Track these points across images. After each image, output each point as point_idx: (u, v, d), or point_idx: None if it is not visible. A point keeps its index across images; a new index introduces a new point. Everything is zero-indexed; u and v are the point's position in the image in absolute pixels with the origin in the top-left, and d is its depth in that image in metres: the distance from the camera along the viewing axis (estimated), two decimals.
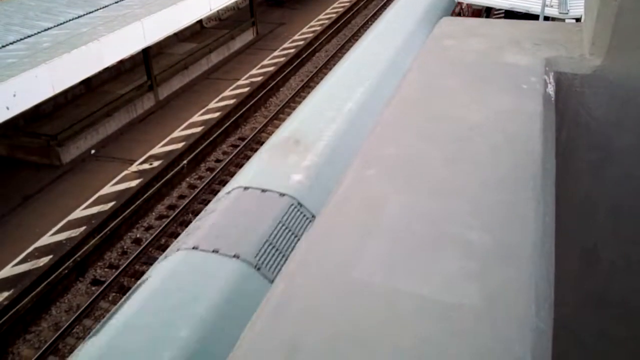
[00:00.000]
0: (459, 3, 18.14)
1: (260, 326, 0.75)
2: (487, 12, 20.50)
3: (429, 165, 1.15)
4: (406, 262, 0.87)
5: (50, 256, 12.75)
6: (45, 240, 13.31)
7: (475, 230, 0.93)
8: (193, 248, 5.33)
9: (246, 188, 6.25)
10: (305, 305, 0.79)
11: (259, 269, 5.16)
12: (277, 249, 5.39)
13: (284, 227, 5.63)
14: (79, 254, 12.99)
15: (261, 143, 17.78)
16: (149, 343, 4.35)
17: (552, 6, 16.15)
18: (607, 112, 1.60)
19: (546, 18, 14.48)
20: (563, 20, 14.86)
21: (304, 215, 5.86)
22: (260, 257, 5.26)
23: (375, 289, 0.82)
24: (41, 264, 12.50)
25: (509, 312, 0.79)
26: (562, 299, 1.03)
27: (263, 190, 6.07)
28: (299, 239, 5.40)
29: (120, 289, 12.60)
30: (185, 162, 16.31)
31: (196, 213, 14.72)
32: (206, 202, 15.08)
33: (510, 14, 17.00)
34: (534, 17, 14.78)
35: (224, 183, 15.84)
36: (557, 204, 1.17)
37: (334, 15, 27.57)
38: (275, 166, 6.75)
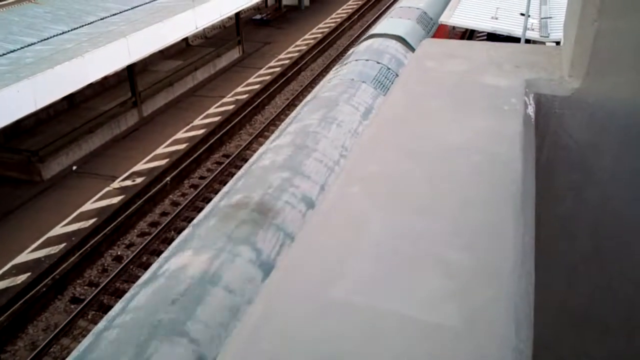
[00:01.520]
0: (442, 26, 18.46)
1: (236, 348, 0.74)
2: (470, 35, 20.88)
3: (411, 184, 1.15)
4: (387, 281, 0.86)
5: (29, 274, 12.50)
6: (24, 257, 13.06)
7: (456, 250, 0.93)
8: None
9: None
10: (284, 326, 0.78)
11: None
12: None
13: None
14: (58, 271, 12.75)
15: (246, 160, 17.78)
16: None
17: (533, 30, 16.51)
18: (586, 134, 1.62)
19: (527, 41, 14.78)
20: (544, 43, 15.18)
21: None
22: None
23: (355, 309, 0.81)
24: (19, 282, 12.24)
25: (489, 332, 0.78)
26: (542, 319, 1.04)
27: None
28: None
29: (100, 307, 12.37)
30: (168, 178, 16.19)
31: (179, 230, 14.60)
32: (189, 220, 14.96)
33: (492, 37, 17.33)
34: (516, 40, 15.08)
35: (207, 200, 15.74)
36: (537, 224, 1.18)
37: (319, 35, 27.85)
38: None
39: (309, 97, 11.87)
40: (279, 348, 0.74)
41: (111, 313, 5.44)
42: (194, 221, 7.61)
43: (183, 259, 5.96)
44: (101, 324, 5.32)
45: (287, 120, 10.75)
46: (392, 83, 12.22)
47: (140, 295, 5.43)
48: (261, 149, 9.51)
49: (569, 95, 1.60)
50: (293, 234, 6.69)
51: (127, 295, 5.73)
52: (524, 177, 1.18)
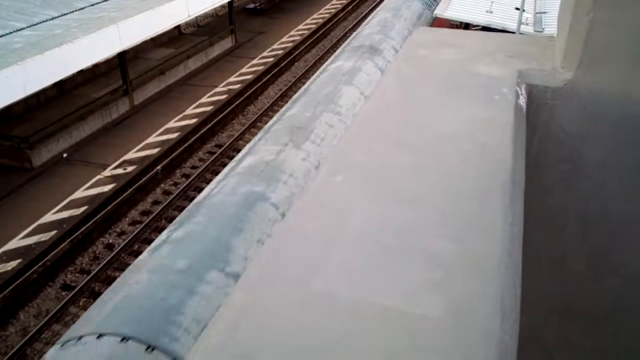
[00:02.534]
0: (437, 19, 18.40)
1: (215, 339, 0.72)
2: (465, 28, 20.83)
3: (397, 174, 1.13)
4: (370, 272, 0.84)
5: (19, 260, 12.43)
6: (14, 243, 12.98)
7: (442, 240, 0.91)
8: None
9: None
10: (264, 317, 0.76)
11: None
12: None
13: None
14: (49, 258, 12.69)
15: (239, 151, 17.69)
16: None
17: (527, 24, 16.51)
18: (577, 125, 1.61)
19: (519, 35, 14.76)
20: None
21: None
22: None
23: (337, 300, 0.79)
24: (9, 268, 12.17)
25: (473, 324, 0.77)
26: (528, 310, 1.02)
27: None
28: None
29: (91, 294, 12.34)
30: (159, 167, 16.11)
31: (171, 219, 14.55)
32: (181, 209, 14.91)
33: (487, 31, 17.30)
34: (510, 34, 15.04)
35: (199, 190, 15.69)
36: (525, 214, 1.17)
37: (313, 26, 27.69)
38: None
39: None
40: (257, 340, 0.72)
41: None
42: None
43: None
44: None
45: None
46: None
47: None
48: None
49: (561, 86, 1.59)
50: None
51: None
52: (513, 168, 1.17)
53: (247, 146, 7.43)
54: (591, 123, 1.59)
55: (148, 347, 3.79)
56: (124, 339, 3.80)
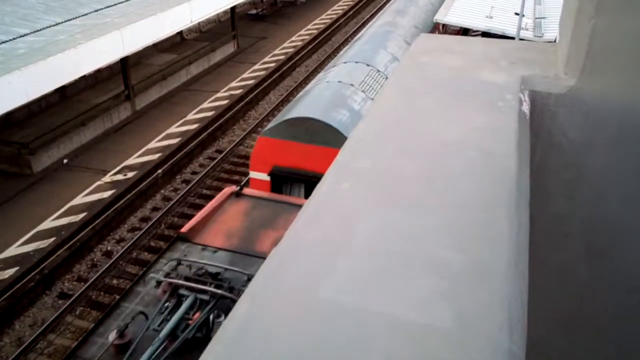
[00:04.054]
0: (438, 24, 18.46)
1: (220, 350, 0.71)
2: (464, 34, 20.89)
3: (403, 181, 1.12)
4: (377, 280, 0.83)
5: (17, 268, 12.39)
6: (12, 251, 12.95)
7: (449, 249, 0.91)
8: None
9: None
10: (270, 327, 0.75)
11: None
12: None
13: None
14: (46, 266, 12.65)
15: (239, 156, 17.68)
16: None
17: (527, 29, 16.55)
18: (580, 132, 1.60)
19: (521, 40, 14.78)
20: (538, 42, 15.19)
21: None
22: None
23: (344, 309, 0.78)
24: (6, 276, 12.13)
25: (481, 334, 0.76)
26: (533, 319, 1.01)
27: None
28: None
29: (89, 302, 12.28)
30: (159, 170, 16.10)
31: (170, 226, 14.53)
32: (181, 215, 14.88)
33: (486, 37, 17.37)
34: (510, 39, 15.09)
35: (199, 196, 15.67)
36: (530, 222, 1.16)
37: (314, 31, 27.77)
38: None
39: None
40: (263, 349, 0.71)
41: None
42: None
43: None
44: None
45: None
46: None
47: None
48: None
49: (564, 92, 1.58)
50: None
51: None
52: (518, 175, 1.16)
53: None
54: (594, 129, 1.59)
55: None
56: None
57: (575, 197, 1.66)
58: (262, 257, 6.16)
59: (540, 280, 1.68)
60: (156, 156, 16.81)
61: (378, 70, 13.30)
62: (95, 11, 17.68)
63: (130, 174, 15.88)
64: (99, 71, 19.07)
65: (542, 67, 1.71)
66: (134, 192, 15.23)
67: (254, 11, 29.95)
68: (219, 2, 21.43)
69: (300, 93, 13.45)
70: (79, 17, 17.05)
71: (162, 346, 5.38)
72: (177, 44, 24.33)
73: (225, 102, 20.44)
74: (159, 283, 6.34)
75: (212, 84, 22.25)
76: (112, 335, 5.77)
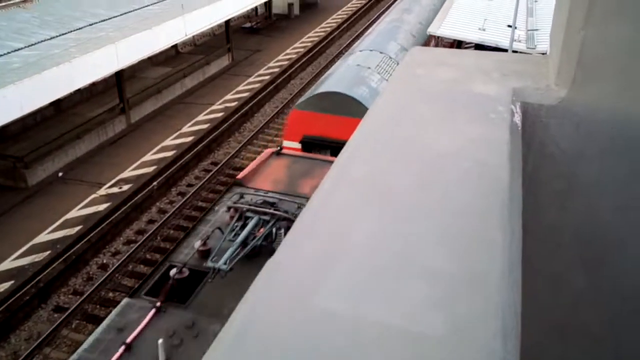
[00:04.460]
0: (432, 36, 18.61)
1: (218, 358, 0.72)
2: (458, 46, 21.07)
3: (397, 191, 1.14)
4: (371, 289, 0.84)
5: (12, 282, 12.31)
6: (7, 265, 12.87)
7: (442, 258, 0.92)
8: None
9: None
10: (266, 335, 0.76)
11: None
12: None
13: None
14: (42, 279, 12.57)
15: (234, 168, 17.70)
16: None
17: (520, 41, 16.70)
18: (572, 143, 1.62)
19: (514, 52, 14.94)
20: (530, 55, 15.33)
21: None
22: None
23: (338, 317, 0.79)
24: (1, 290, 12.05)
25: (475, 342, 0.77)
26: (527, 328, 1.02)
27: None
28: None
29: (84, 315, 12.20)
30: (155, 183, 16.08)
31: (166, 239, 14.48)
32: (176, 228, 14.84)
33: (480, 48, 17.52)
34: (503, 51, 15.24)
35: (195, 208, 15.64)
36: (523, 232, 1.17)
37: (309, 44, 27.93)
38: None
39: None
40: (260, 357, 0.72)
41: None
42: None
43: None
44: None
45: None
46: None
47: None
48: None
49: (556, 104, 1.61)
50: None
51: None
52: (510, 186, 1.18)
53: None
54: (585, 140, 1.61)
55: None
56: None
57: (568, 207, 1.68)
58: (305, 197, 8.02)
59: (534, 289, 1.69)
60: (151, 169, 16.79)
61: (390, 57, 15.53)
62: (90, 25, 17.74)
63: (125, 187, 15.85)
64: (93, 84, 19.11)
65: (534, 79, 1.73)
66: (129, 204, 15.19)
67: (248, 24, 30.12)
68: (213, 16, 21.54)
69: (324, 75, 15.92)
70: (74, 31, 17.10)
71: (237, 251, 6.87)
72: (172, 57, 24.42)
73: (221, 114, 20.48)
74: (229, 209, 7.82)
75: (207, 97, 22.31)
76: (197, 244, 7.38)
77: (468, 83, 1.72)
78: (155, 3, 20.45)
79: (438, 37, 18.57)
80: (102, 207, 14.91)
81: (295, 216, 6.80)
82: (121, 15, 18.85)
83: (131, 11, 19.29)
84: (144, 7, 19.84)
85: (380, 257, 0.92)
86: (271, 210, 7.56)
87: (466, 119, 1.47)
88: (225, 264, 6.57)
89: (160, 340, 5.64)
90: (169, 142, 18.58)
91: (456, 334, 0.76)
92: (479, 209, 1.07)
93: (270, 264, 0.90)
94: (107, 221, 14.41)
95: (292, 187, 8.90)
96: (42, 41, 15.69)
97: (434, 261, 0.91)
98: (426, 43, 18.84)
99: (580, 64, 1.51)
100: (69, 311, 12.15)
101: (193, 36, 22.73)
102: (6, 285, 12.21)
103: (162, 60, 23.67)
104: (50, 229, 14.04)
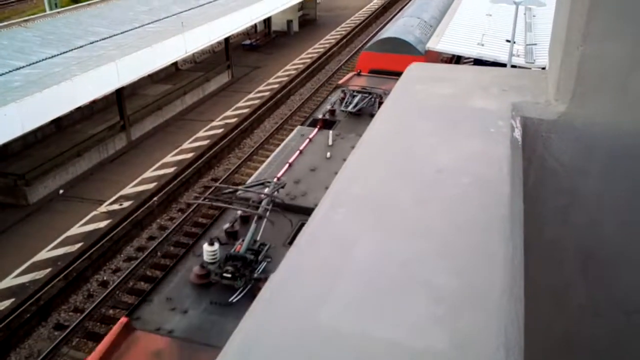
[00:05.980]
0: (430, 51, 18.74)
1: None
2: (457, 61, 21.22)
3: (399, 206, 1.14)
4: (374, 305, 0.85)
5: (12, 299, 12.25)
6: (8, 282, 12.82)
7: (445, 274, 0.92)
8: None
9: None
10: (270, 351, 0.76)
11: None
12: None
13: None
14: (42, 297, 12.51)
15: (234, 184, 17.70)
16: None
17: (518, 56, 16.82)
18: (572, 158, 1.63)
19: (513, 67, 15.04)
20: (529, 69, 15.46)
21: None
22: None
23: (342, 333, 0.79)
24: (2, 308, 11.99)
25: (478, 357, 0.77)
26: (530, 344, 1.02)
27: None
28: None
29: (85, 333, 12.12)
30: (155, 198, 16.07)
31: (166, 255, 14.44)
32: (177, 244, 14.81)
33: (478, 63, 17.64)
34: (502, 66, 15.34)
35: (195, 224, 15.62)
36: (525, 247, 1.17)
37: (308, 60, 28.11)
38: None
39: None
40: None
41: None
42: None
43: None
44: None
45: None
46: None
47: None
48: None
49: (555, 118, 1.62)
50: None
51: None
52: (511, 201, 1.18)
53: None
54: (586, 155, 1.62)
55: None
56: None
57: (570, 222, 1.68)
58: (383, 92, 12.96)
59: (536, 303, 1.69)
60: (152, 185, 16.81)
61: (424, 20, 22.78)
62: (91, 43, 17.90)
63: (126, 204, 15.85)
64: (94, 102, 19.19)
65: (533, 94, 1.74)
66: (129, 221, 15.17)
67: (247, 42, 30.34)
68: (212, 33, 21.72)
69: (383, 29, 24.86)
70: (75, 49, 17.24)
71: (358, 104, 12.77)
72: (172, 75, 24.57)
73: (221, 130, 20.55)
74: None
75: (207, 113, 22.40)
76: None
77: (467, 98, 1.73)
78: (155, 21, 20.65)
79: (437, 52, 18.71)
80: (102, 224, 14.89)
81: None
82: (122, 33, 19.02)
83: (131, 29, 19.47)
84: (144, 25, 20.02)
85: (382, 273, 0.92)
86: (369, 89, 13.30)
87: (466, 134, 1.48)
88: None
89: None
90: (169, 158, 18.62)
91: (460, 349, 0.76)
92: (480, 224, 1.07)
93: (273, 279, 0.90)
94: (108, 238, 14.39)
95: (374, 86, 14.05)
96: (43, 59, 15.80)
97: (437, 276, 0.91)
98: (424, 59, 19.01)
99: (580, 79, 1.52)
100: (70, 329, 12.09)
101: (193, 53, 22.88)
102: (7, 302, 12.16)
103: (163, 77, 23.81)
104: (50, 246, 14.01)
